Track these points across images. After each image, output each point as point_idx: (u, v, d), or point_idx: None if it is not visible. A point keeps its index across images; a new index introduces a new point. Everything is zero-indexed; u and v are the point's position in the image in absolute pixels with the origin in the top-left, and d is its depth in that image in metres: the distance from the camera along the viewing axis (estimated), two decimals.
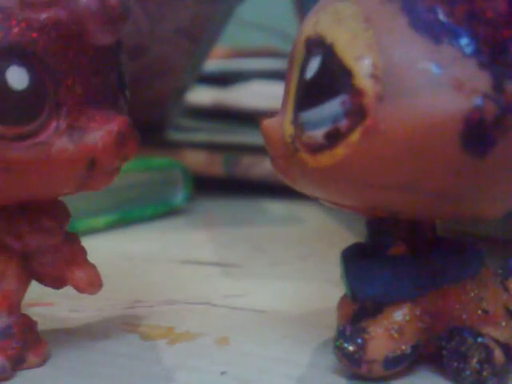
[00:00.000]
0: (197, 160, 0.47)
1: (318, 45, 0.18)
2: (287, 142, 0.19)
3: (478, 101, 0.16)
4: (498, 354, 0.19)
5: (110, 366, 0.21)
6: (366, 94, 0.16)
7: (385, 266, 0.20)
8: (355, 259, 0.20)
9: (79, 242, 0.21)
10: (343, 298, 0.21)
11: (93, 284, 0.21)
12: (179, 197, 0.43)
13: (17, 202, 0.19)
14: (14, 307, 0.20)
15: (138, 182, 0.41)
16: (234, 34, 0.58)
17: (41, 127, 0.17)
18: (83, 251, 0.21)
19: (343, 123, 0.17)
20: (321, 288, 0.28)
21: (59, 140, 0.18)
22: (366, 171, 0.17)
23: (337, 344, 0.19)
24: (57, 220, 0.20)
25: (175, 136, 0.52)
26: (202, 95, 0.63)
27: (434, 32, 0.16)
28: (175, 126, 0.55)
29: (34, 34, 0.17)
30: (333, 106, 0.17)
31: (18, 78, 0.17)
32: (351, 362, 0.19)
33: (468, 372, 0.19)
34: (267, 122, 0.20)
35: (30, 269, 0.21)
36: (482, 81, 0.16)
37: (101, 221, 0.37)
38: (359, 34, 0.17)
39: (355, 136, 0.17)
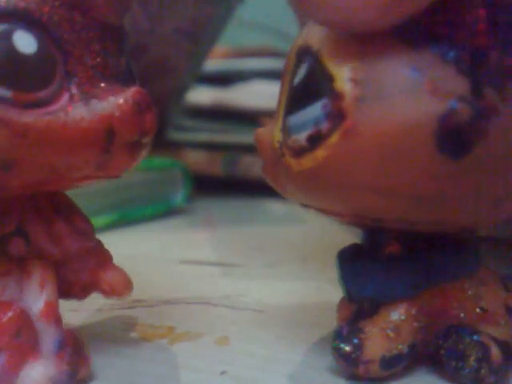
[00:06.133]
0: (197, 160, 0.47)
1: (306, 53, 0.19)
2: (275, 148, 0.19)
3: (452, 103, 0.16)
4: (495, 352, 0.19)
5: (110, 366, 0.21)
6: (346, 97, 0.17)
7: (380, 266, 0.20)
8: (351, 260, 0.20)
9: (103, 245, 0.21)
10: (342, 300, 0.21)
11: (127, 286, 0.20)
12: (179, 197, 0.43)
13: (37, 186, 0.18)
14: (58, 318, 0.19)
15: (138, 182, 0.41)
16: (233, 34, 0.58)
17: (53, 96, 0.17)
18: (109, 254, 0.21)
19: (324, 126, 0.17)
20: (320, 288, 0.28)
21: (74, 109, 0.17)
22: (344, 173, 0.17)
23: (334, 345, 0.20)
24: (88, 222, 0.20)
25: (175, 136, 0.52)
26: (202, 95, 0.63)
27: (414, 38, 0.17)
28: (175, 125, 0.55)
29: (39, 1, 0.17)
30: (315, 110, 0.18)
31: (25, 42, 0.17)
32: (348, 362, 0.19)
33: (466, 370, 0.19)
34: (260, 130, 0.21)
35: (60, 278, 0.19)
36: (459, 85, 0.16)
37: (101, 221, 0.37)
38: (342, 41, 0.17)
39: (334, 138, 0.17)
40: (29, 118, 0.17)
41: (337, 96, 0.17)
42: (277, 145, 0.19)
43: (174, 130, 0.54)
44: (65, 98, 0.17)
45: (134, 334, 0.23)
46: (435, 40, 0.17)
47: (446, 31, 0.17)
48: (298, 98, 0.19)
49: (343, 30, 0.17)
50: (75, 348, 0.19)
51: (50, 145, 0.17)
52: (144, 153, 0.19)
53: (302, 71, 0.19)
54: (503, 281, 0.21)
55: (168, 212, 0.42)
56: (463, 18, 0.17)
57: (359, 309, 0.20)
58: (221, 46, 0.66)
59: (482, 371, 0.19)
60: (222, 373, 0.20)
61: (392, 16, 0.16)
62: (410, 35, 0.17)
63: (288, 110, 0.19)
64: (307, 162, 0.18)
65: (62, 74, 0.17)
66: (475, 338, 0.19)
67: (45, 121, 0.17)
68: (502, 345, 0.19)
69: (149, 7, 0.41)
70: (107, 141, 0.18)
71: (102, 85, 0.18)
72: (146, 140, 0.19)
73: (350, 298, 0.20)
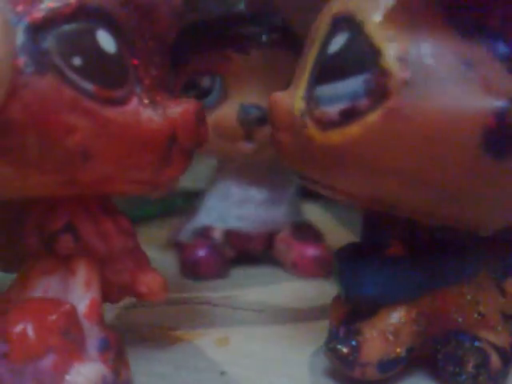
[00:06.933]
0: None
1: (346, 21, 0.18)
2: (296, 116, 0.18)
3: (504, 103, 0.16)
4: (495, 359, 0.19)
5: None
6: (392, 76, 0.16)
7: (381, 267, 0.19)
8: (350, 259, 0.20)
9: (140, 246, 0.21)
10: (336, 299, 0.21)
11: (164, 287, 0.20)
12: (179, 197, 0.43)
13: (102, 182, 0.18)
14: (102, 317, 0.19)
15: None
16: None
17: (127, 96, 0.18)
18: (147, 256, 0.21)
19: (363, 102, 0.17)
20: (321, 288, 0.28)
21: (145, 111, 0.18)
22: (377, 154, 0.17)
23: (330, 346, 0.19)
24: (130, 222, 0.20)
25: None
26: None
27: (469, 30, 0.16)
28: None
29: (117, 5, 0.18)
30: (354, 84, 0.17)
31: (107, 41, 0.17)
32: (345, 364, 0.19)
33: (464, 376, 0.19)
34: (277, 95, 0.20)
35: (101, 280, 0.19)
36: (510, 85, 0.16)
37: None
38: (393, 17, 0.17)
39: (373, 116, 0.16)
40: (109, 112, 0.17)
41: (382, 73, 0.16)
42: (298, 113, 0.18)
43: None
44: (135, 100, 0.18)
45: (133, 334, 0.23)
46: (488, 35, 0.16)
47: (499, 27, 0.16)
48: (332, 69, 0.18)
49: None
50: (118, 348, 0.19)
51: (126, 140, 0.18)
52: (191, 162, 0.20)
53: (341, 40, 0.17)
54: (499, 285, 0.21)
55: (168, 212, 0.42)
56: None
57: (355, 309, 0.20)
58: None
59: (480, 378, 0.19)
60: (222, 373, 0.20)
61: None
62: (464, 26, 0.16)
63: (318, 79, 0.18)
64: (335, 136, 0.17)
65: (133, 78, 0.18)
66: (476, 344, 0.19)
67: (123, 117, 0.17)
68: (501, 351, 0.19)
69: None
70: (170, 145, 0.18)
71: (162, 94, 0.19)
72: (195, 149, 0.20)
73: (347, 297, 0.20)
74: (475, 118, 0.16)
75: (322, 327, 0.22)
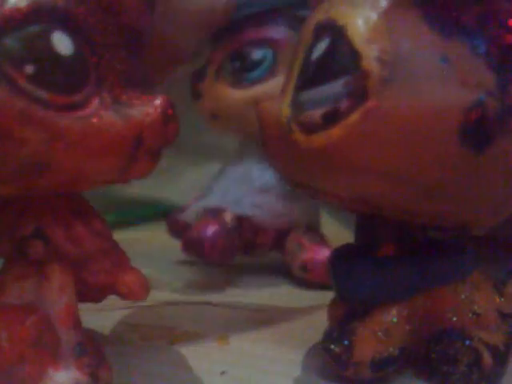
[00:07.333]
0: None
1: (328, 28, 0.18)
2: (283, 123, 0.19)
3: (481, 96, 0.16)
4: (487, 358, 0.19)
5: (110, 366, 0.21)
6: (371, 77, 0.16)
7: (374, 268, 0.19)
8: (344, 260, 0.20)
9: (119, 246, 0.20)
10: (334, 300, 0.21)
11: (145, 287, 0.20)
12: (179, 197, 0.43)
13: (64, 187, 0.18)
14: (78, 322, 0.19)
15: (138, 182, 0.41)
16: None
17: (87, 99, 0.17)
18: (126, 255, 0.20)
19: (344, 104, 0.17)
20: (320, 289, 0.28)
21: (107, 114, 0.17)
22: (359, 154, 0.17)
23: (324, 345, 0.19)
24: (105, 223, 0.20)
25: None
26: None
27: (446, 28, 0.17)
28: None
29: (76, 2, 0.17)
30: (336, 87, 0.17)
31: (63, 43, 0.16)
32: (338, 363, 0.19)
33: (457, 375, 0.19)
34: (264, 104, 0.20)
35: (78, 281, 0.19)
36: (487, 79, 0.16)
37: None
38: (372, 20, 0.17)
39: (354, 117, 0.17)
40: (65, 120, 0.16)
41: (362, 74, 0.17)
42: (284, 120, 0.19)
43: None
44: (96, 102, 0.17)
45: (134, 334, 0.23)
46: (467, 32, 0.16)
47: (477, 24, 0.17)
48: (316, 74, 0.18)
49: None
50: (95, 352, 0.19)
51: (83, 149, 0.17)
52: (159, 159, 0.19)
53: (323, 46, 0.18)
54: (496, 285, 0.21)
55: (168, 212, 0.42)
56: (495, 12, 0.17)
57: (351, 309, 0.20)
58: None
59: (473, 377, 0.19)
60: (222, 373, 0.20)
61: None
62: (442, 24, 0.17)
63: (302, 85, 0.18)
64: (319, 139, 0.17)
65: (94, 78, 0.17)
66: (467, 342, 0.19)
67: (79, 125, 0.17)
68: (493, 350, 0.19)
69: None
70: (135, 147, 0.18)
71: (129, 90, 0.18)
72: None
73: (341, 298, 0.20)
74: (452, 112, 0.16)
75: (322, 328, 0.22)
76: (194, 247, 0.29)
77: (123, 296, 0.20)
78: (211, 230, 0.29)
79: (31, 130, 0.16)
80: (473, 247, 0.20)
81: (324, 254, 0.28)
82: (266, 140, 0.20)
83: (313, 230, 0.31)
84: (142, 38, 0.19)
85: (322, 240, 0.30)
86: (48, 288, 0.18)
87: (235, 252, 0.30)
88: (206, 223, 0.29)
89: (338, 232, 0.34)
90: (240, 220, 0.30)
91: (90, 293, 0.20)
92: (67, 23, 0.17)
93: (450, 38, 0.16)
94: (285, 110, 0.19)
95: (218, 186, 0.31)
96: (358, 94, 0.17)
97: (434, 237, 0.20)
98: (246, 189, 0.30)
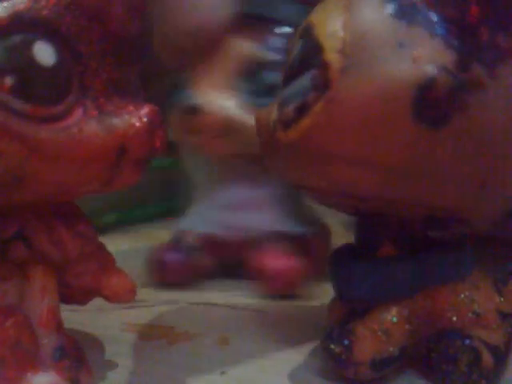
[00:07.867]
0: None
1: (305, 30, 0.19)
2: (270, 125, 0.19)
3: (431, 71, 0.16)
4: (486, 357, 0.19)
5: (110, 366, 0.21)
6: (332, 67, 0.17)
7: (374, 268, 0.19)
8: (344, 260, 0.20)
9: (105, 248, 0.20)
10: (334, 300, 0.21)
11: (131, 290, 0.20)
12: (179, 197, 0.43)
13: (44, 198, 0.18)
14: (61, 324, 0.19)
15: (139, 182, 0.41)
16: None
17: (69, 110, 0.17)
18: (112, 257, 0.20)
19: (310, 96, 0.17)
20: (320, 289, 0.28)
21: (89, 125, 0.17)
22: (326, 142, 0.17)
23: (324, 345, 0.19)
24: (89, 225, 0.20)
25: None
26: None
27: (406, 13, 0.17)
28: None
29: (60, 11, 0.17)
30: (304, 81, 0.18)
31: (45, 53, 0.16)
32: (338, 363, 0.19)
33: (457, 375, 0.19)
34: (259, 112, 0.21)
35: (62, 283, 0.19)
36: (444, 57, 0.16)
37: (101, 221, 0.37)
38: (335, 15, 0.18)
39: (318, 107, 0.17)
40: (44, 133, 0.16)
41: (324, 66, 0.17)
42: (271, 122, 0.19)
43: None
44: (79, 112, 0.17)
45: (134, 334, 0.23)
46: (425, 15, 0.17)
47: (436, 6, 0.17)
48: (291, 71, 0.19)
49: None
50: (77, 355, 0.19)
51: (64, 160, 0.17)
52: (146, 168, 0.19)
53: (298, 46, 0.19)
54: (497, 285, 0.21)
55: (168, 212, 0.42)
56: None
57: (351, 309, 0.20)
58: None
59: (473, 376, 0.19)
60: (222, 373, 0.20)
61: None
62: (401, 11, 0.17)
63: (284, 84, 0.19)
64: (293, 133, 0.18)
65: (78, 87, 0.17)
66: (467, 342, 0.19)
67: (59, 137, 0.16)
68: (493, 349, 0.19)
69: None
70: (118, 158, 0.17)
71: (115, 99, 0.18)
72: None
73: (341, 298, 0.20)
74: (404, 90, 0.16)
75: (322, 328, 0.22)
76: (156, 275, 0.29)
77: (108, 299, 0.20)
78: (170, 255, 0.30)
79: (7, 142, 0.15)
80: (473, 247, 0.20)
81: (278, 264, 0.28)
82: (262, 146, 0.20)
83: (287, 238, 0.30)
84: (133, 45, 0.19)
85: (286, 250, 0.29)
86: (30, 290, 0.18)
87: (203, 272, 0.30)
88: (165, 248, 0.30)
89: (337, 232, 0.34)
90: (203, 239, 0.30)
91: (75, 295, 0.20)
92: (50, 33, 0.16)
93: (409, 25, 0.17)
94: (273, 112, 0.19)
95: (190, 210, 0.31)
96: (322, 85, 0.17)
97: (434, 236, 0.20)
98: (211, 208, 0.30)
